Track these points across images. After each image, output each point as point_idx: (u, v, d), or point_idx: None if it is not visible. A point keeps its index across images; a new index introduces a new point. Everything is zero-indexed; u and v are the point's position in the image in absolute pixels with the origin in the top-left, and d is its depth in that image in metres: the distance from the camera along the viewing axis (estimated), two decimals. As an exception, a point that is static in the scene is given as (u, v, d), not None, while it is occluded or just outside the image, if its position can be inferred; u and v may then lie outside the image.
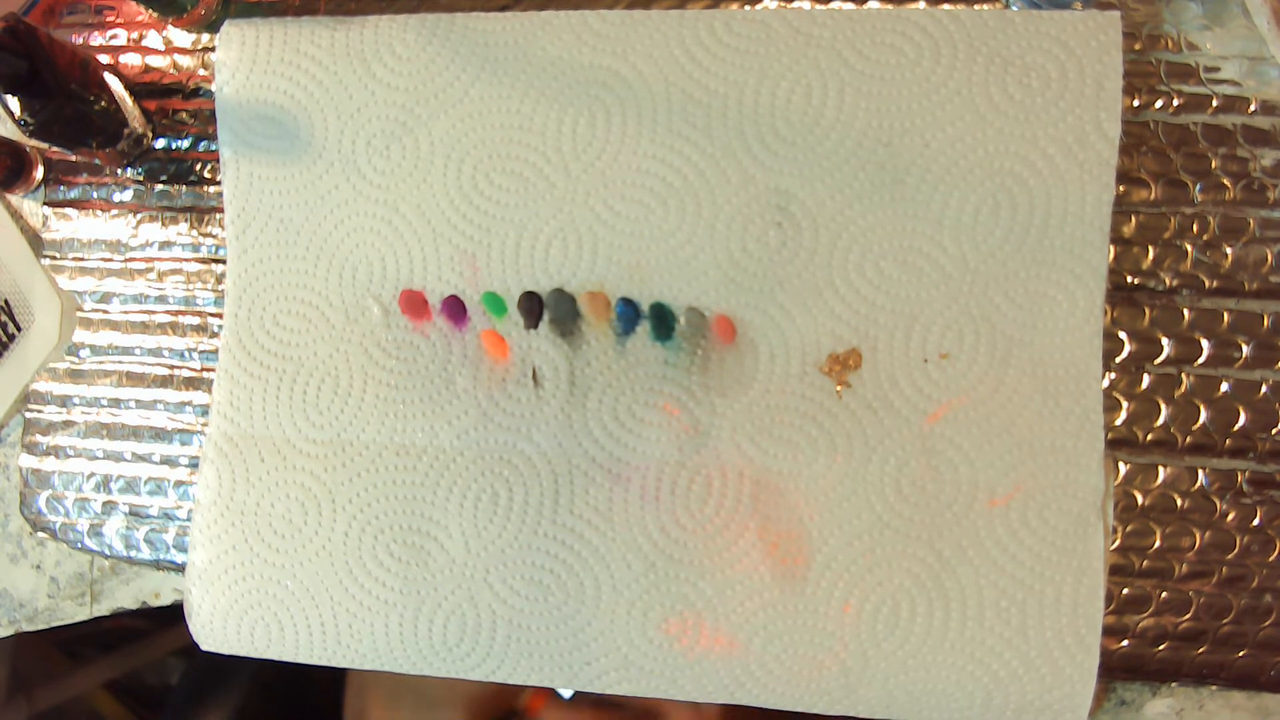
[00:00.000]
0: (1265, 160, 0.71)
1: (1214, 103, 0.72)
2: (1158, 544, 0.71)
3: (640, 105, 0.74)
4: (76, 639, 1.54)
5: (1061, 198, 0.69)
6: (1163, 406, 0.71)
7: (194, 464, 0.81)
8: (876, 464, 0.71)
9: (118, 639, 1.52)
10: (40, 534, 0.84)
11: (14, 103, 0.73)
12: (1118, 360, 0.71)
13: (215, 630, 0.78)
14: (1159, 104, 0.72)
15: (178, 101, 0.84)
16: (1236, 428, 0.71)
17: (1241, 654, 0.71)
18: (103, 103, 0.77)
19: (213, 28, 0.84)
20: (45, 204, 0.86)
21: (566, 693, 0.94)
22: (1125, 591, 0.71)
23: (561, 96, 0.75)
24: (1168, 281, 0.71)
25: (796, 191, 0.72)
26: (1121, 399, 0.71)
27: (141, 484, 0.82)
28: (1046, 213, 0.69)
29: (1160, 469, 0.71)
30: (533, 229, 0.75)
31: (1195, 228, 0.71)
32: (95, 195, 0.85)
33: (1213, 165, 0.71)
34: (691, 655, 0.72)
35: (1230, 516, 0.71)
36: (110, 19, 0.86)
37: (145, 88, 0.85)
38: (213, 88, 0.81)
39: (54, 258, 0.85)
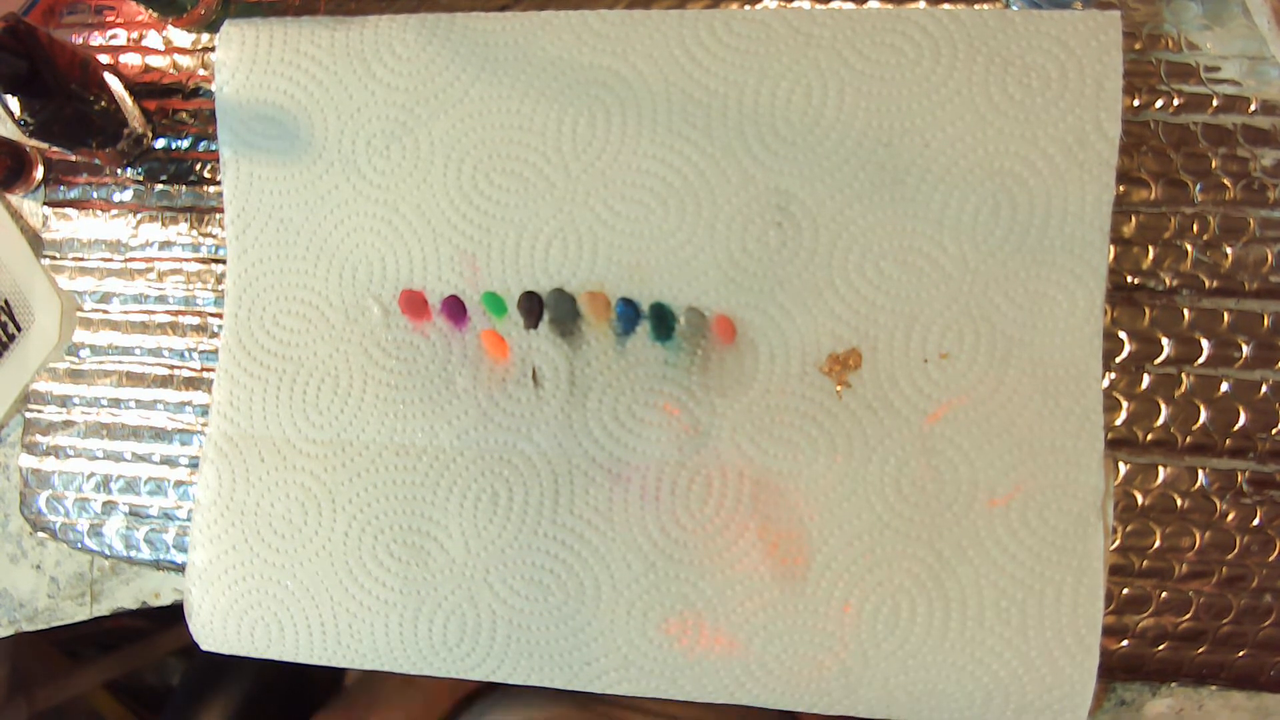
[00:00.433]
0: (1265, 160, 0.71)
1: (1214, 102, 0.72)
2: (1158, 544, 0.71)
3: (640, 105, 0.74)
4: (76, 639, 1.54)
5: (1061, 198, 0.69)
6: (1163, 406, 0.71)
7: (194, 464, 0.81)
8: (876, 464, 0.71)
9: (118, 639, 1.52)
10: (40, 534, 0.84)
11: (14, 103, 0.73)
12: (1118, 360, 0.71)
13: (215, 630, 0.78)
14: (1159, 104, 0.72)
15: (178, 101, 0.84)
16: (1236, 428, 0.71)
17: (1241, 654, 0.71)
18: (103, 103, 0.77)
19: (212, 28, 0.84)
20: (45, 204, 0.86)
21: None
22: (1125, 591, 0.71)
23: (561, 96, 0.75)
24: (1168, 281, 0.71)
25: (796, 191, 0.72)
26: (1121, 399, 0.71)
27: (141, 484, 0.82)
28: (1046, 213, 0.69)
29: (1160, 469, 0.71)
30: (533, 229, 0.75)
31: (1195, 228, 0.71)
32: (95, 195, 0.85)
33: (1213, 165, 0.71)
34: (691, 655, 0.72)
35: (1230, 516, 0.71)
36: (110, 19, 0.86)
37: (145, 88, 0.85)
38: (213, 87, 0.81)
39: (54, 258, 0.85)
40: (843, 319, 0.71)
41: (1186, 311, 0.71)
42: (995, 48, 0.70)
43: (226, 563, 0.77)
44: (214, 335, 0.82)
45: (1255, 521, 0.70)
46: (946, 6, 0.72)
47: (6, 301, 0.85)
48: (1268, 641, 0.70)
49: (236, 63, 0.79)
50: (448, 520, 0.75)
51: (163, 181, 0.84)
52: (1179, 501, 0.71)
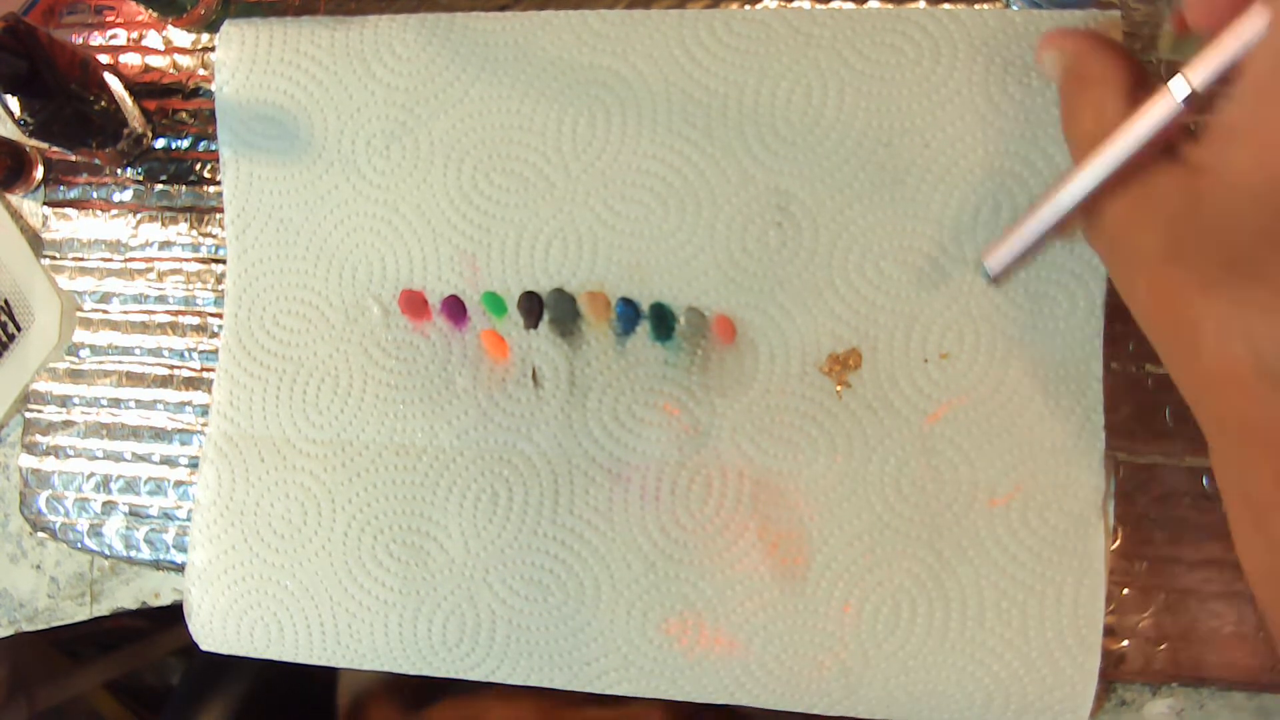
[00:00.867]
0: (1265, 160, 0.71)
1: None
2: (1158, 544, 0.71)
3: (640, 105, 0.74)
4: (76, 639, 1.54)
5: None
6: (1163, 407, 0.71)
7: (194, 464, 0.81)
8: (876, 464, 0.71)
9: (118, 639, 1.53)
10: (40, 534, 0.84)
11: (14, 103, 0.73)
12: (1118, 360, 0.71)
13: (215, 630, 0.78)
14: (1159, 104, 0.72)
15: (178, 101, 0.84)
16: (1237, 428, 0.71)
17: (1242, 654, 0.71)
18: (103, 103, 0.77)
19: (212, 28, 0.84)
20: (45, 204, 0.86)
21: None
22: (1125, 591, 0.71)
23: (561, 96, 0.75)
24: (1168, 282, 0.71)
25: (796, 191, 0.72)
26: (1122, 399, 0.71)
27: (141, 484, 0.82)
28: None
29: (1160, 469, 0.71)
30: (532, 229, 0.75)
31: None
32: (95, 195, 0.85)
33: (1213, 165, 0.71)
34: (691, 655, 0.72)
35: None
36: (110, 19, 0.86)
37: (145, 88, 0.85)
38: (212, 87, 0.81)
39: (54, 258, 0.85)
40: (843, 319, 0.71)
41: (1187, 312, 0.71)
42: (995, 48, 0.70)
43: (226, 563, 0.77)
44: (214, 335, 0.82)
45: (1256, 522, 0.70)
46: (946, 6, 0.72)
47: (6, 301, 0.85)
48: (1269, 641, 0.70)
49: (236, 62, 0.79)
50: (447, 520, 0.75)
51: (163, 181, 0.84)
52: (1179, 502, 0.71)
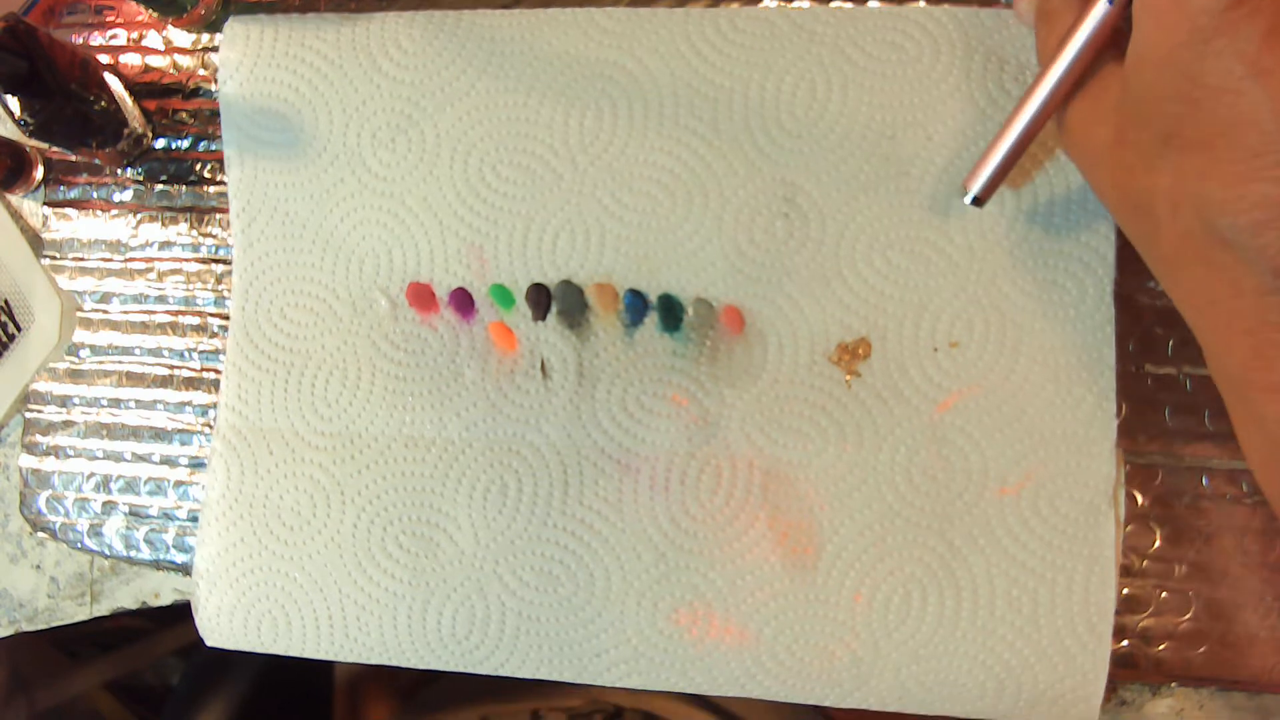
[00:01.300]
0: (1264, 159, 0.71)
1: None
2: (1158, 544, 0.71)
3: (647, 100, 0.74)
4: (76, 639, 1.53)
5: (1065, 187, 0.70)
6: (1163, 406, 0.71)
7: (194, 464, 0.81)
8: (887, 453, 0.71)
9: (118, 639, 1.52)
10: (40, 534, 0.84)
11: (14, 103, 0.72)
12: (1119, 361, 0.71)
13: (222, 625, 0.77)
14: (1158, 102, 0.72)
15: (178, 101, 0.84)
16: (1237, 427, 0.71)
17: (1242, 654, 0.71)
18: (103, 103, 0.77)
19: (213, 28, 0.84)
20: (45, 204, 0.85)
21: None
22: (1125, 591, 0.71)
23: (568, 91, 0.75)
24: (1168, 281, 0.72)
25: (802, 183, 0.72)
26: (1122, 399, 0.71)
27: (141, 484, 0.82)
28: (1052, 200, 0.70)
29: (1160, 469, 0.71)
30: (540, 221, 0.75)
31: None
32: (95, 195, 0.85)
33: (1212, 163, 0.72)
34: (701, 646, 0.72)
35: (1230, 517, 0.71)
36: (110, 19, 0.86)
37: (145, 88, 0.85)
38: (216, 83, 0.81)
39: (54, 258, 0.85)
40: (851, 308, 0.71)
41: (1186, 311, 0.71)
42: (991, 46, 0.71)
43: (234, 556, 0.77)
44: (214, 335, 0.82)
45: (1255, 522, 0.70)
46: (945, 6, 0.73)
47: (6, 301, 0.84)
48: (1268, 641, 0.70)
49: (241, 57, 0.79)
50: (456, 512, 0.75)
51: (163, 181, 0.84)
52: (1179, 502, 0.71)
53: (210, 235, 0.82)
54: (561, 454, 0.74)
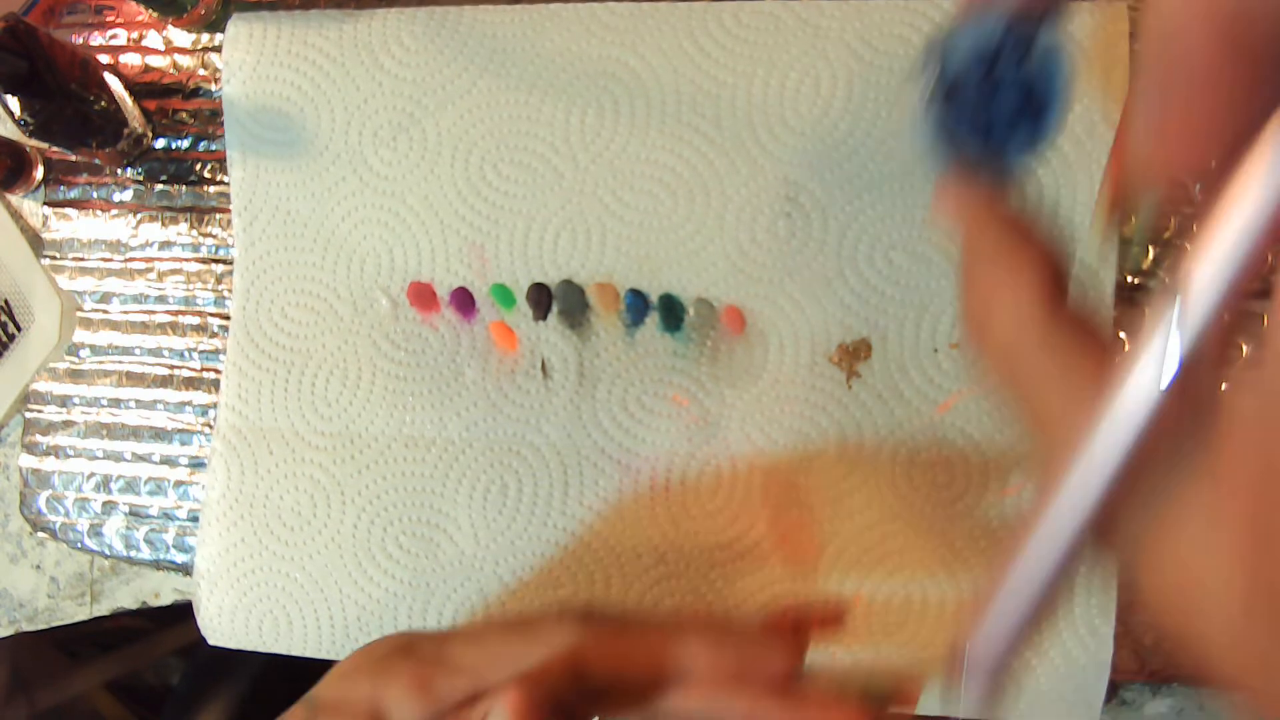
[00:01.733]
0: (1265, 159, 0.71)
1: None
2: (1159, 543, 0.71)
3: (649, 97, 0.74)
4: (76, 639, 1.53)
5: (1070, 187, 0.69)
6: (1163, 406, 0.71)
7: (194, 464, 0.81)
8: (887, 454, 0.71)
9: (118, 639, 1.52)
10: (40, 534, 0.84)
11: (14, 103, 0.73)
12: (1118, 360, 0.71)
13: (223, 624, 0.77)
14: (1159, 103, 0.72)
15: (178, 101, 0.84)
16: (1238, 427, 0.70)
17: (1242, 654, 0.71)
18: (103, 103, 0.77)
19: (213, 27, 0.84)
20: (45, 204, 0.85)
21: None
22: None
23: (570, 88, 0.75)
24: (1168, 281, 0.71)
25: (806, 182, 0.72)
26: (1123, 398, 0.71)
27: (141, 484, 0.82)
28: (1055, 202, 0.69)
29: (1161, 468, 0.71)
30: (541, 220, 0.75)
31: (1195, 228, 0.71)
32: (95, 195, 0.84)
33: (1213, 164, 0.71)
34: (701, 648, 0.72)
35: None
36: (110, 19, 0.86)
37: (145, 88, 0.85)
38: (218, 83, 0.81)
39: (54, 258, 0.85)
40: (852, 309, 0.71)
41: (1187, 311, 0.71)
42: (1004, 39, 0.71)
43: (235, 555, 0.77)
44: (214, 335, 0.81)
45: (1256, 521, 0.70)
46: (951, -2, 0.73)
47: (6, 301, 0.84)
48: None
49: (244, 56, 0.79)
50: (457, 512, 0.75)
51: (163, 181, 0.83)
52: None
53: (210, 235, 0.82)
54: (562, 454, 0.74)
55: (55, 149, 0.85)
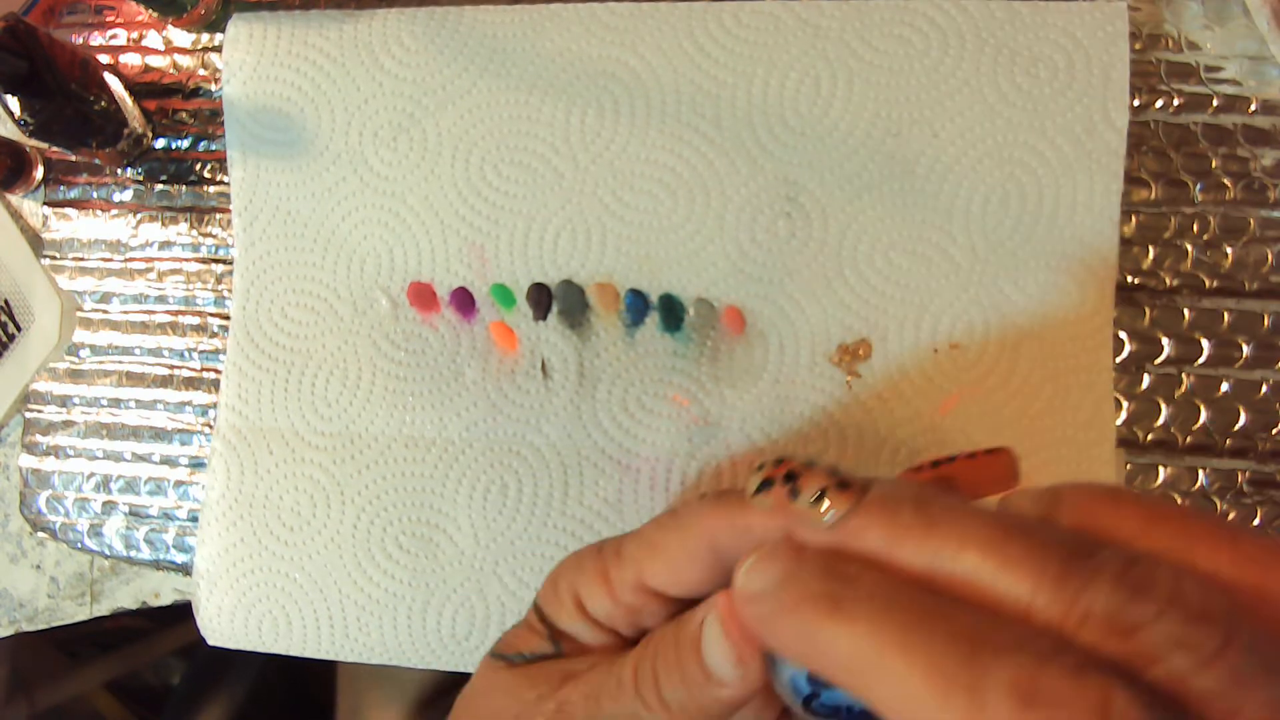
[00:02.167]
0: (1265, 160, 0.71)
1: (1214, 102, 0.72)
2: (1158, 543, 0.71)
3: (649, 97, 0.74)
4: (76, 639, 1.54)
5: (1070, 188, 0.69)
6: (1163, 406, 0.71)
7: (194, 464, 0.81)
8: (888, 455, 0.70)
9: (118, 639, 1.52)
10: (40, 534, 0.84)
11: (14, 103, 0.72)
12: (1118, 360, 0.71)
13: (223, 625, 0.77)
14: (1159, 104, 0.72)
15: (178, 101, 0.84)
16: (1237, 428, 0.71)
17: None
18: (103, 103, 0.77)
19: (213, 28, 0.84)
20: (45, 204, 0.85)
21: None
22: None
23: (570, 88, 0.75)
24: (1168, 281, 0.71)
25: (805, 182, 0.72)
26: (1122, 399, 0.71)
27: (141, 484, 0.82)
28: (1055, 202, 0.69)
29: (1160, 469, 0.71)
30: (541, 220, 0.75)
31: (1195, 228, 0.71)
32: (95, 195, 0.85)
33: (1213, 165, 0.72)
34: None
35: (1230, 516, 0.71)
36: (110, 19, 0.86)
37: (145, 88, 0.85)
38: (218, 83, 0.81)
39: (54, 258, 0.85)
40: (852, 309, 0.71)
41: (1186, 311, 0.71)
42: (1003, 39, 0.71)
43: (235, 556, 0.77)
44: (214, 335, 0.81)
45: (1255, 521, 0.70)
46: (954, -2, 0.73)
47: (6, 301, 0.84)
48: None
49: (244, 56, 0.79)
50: (457, 512, 0.75)
51: (163, 181, 0.84)
52: (1179, 501, 0.71)
53: (210, 235, 0.82)
54: (562, 454, 0.74)
55: (55, 149, 0.85)
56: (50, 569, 0.84)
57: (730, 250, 0.72)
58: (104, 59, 0.85)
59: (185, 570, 0.81)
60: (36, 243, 0.85)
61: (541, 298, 0.74)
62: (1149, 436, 0.71)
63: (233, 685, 1.11)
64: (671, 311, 0.73)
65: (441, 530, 0.75)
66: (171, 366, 0.82)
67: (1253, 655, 0.30)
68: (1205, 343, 0.71)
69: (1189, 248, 0.71)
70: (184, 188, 0.83)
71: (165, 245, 0.83)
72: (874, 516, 0.36)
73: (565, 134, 0.75)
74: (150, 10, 0.82)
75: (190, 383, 0.82)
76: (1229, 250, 0.71)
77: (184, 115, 0.84)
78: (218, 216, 0.82)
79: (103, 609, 0.84)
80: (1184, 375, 0.71)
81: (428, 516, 0.75)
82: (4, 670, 1.25)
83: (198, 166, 0.83)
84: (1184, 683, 0.30)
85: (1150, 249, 0.72)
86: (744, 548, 0.42)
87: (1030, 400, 0.69)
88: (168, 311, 0.82)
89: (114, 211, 0.84)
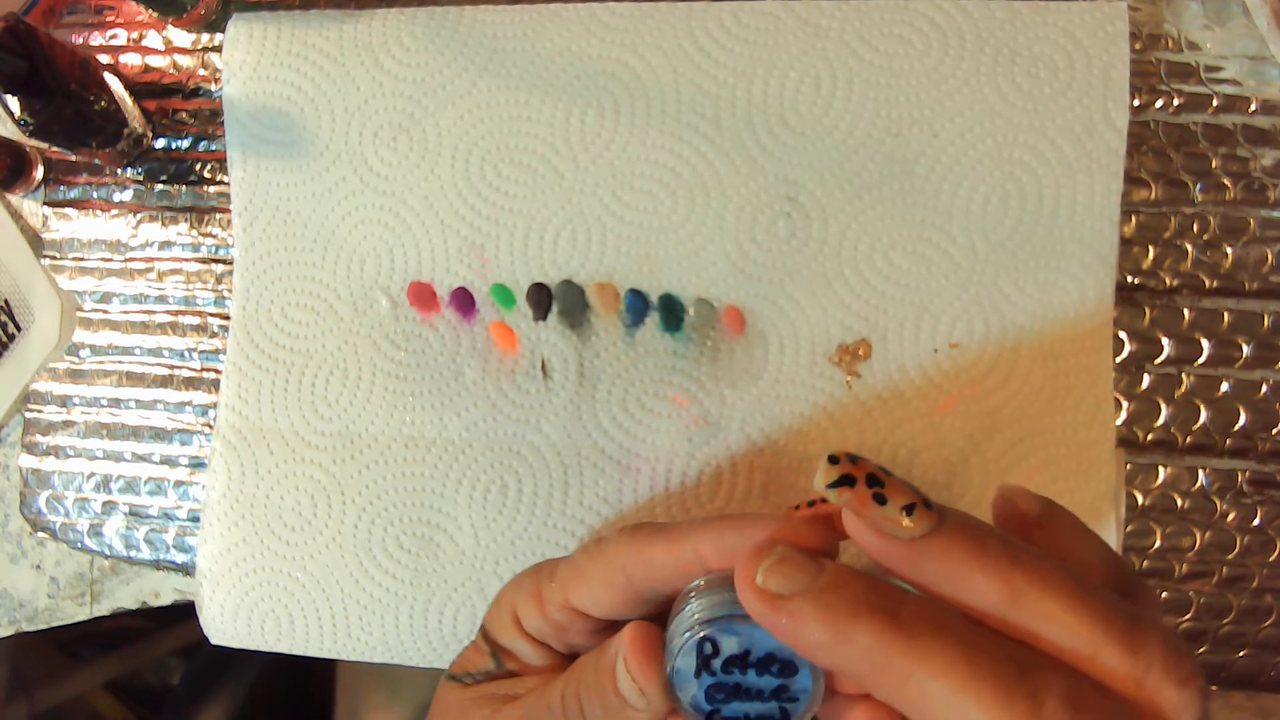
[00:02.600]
0: (1265, 160, 0.71)
1: (1214, 102, 0.72)
2: (1158, 544, 0.71)
3: (649, 97, 0.74)
4: (76, 639, 1.54)
5: (1070, 187, 0.69)
6: (1163, 406, 0.71)
7: (194, 464, 0.81)
8: (888, 455, 0.70)
9: (118, 639, 1.52)
10: (40, 534, 0.84)
11: (14, 103, 0.72)
12: (1118, 360, 0.71)
13: (225, 624, 0.78)
14: (1159, 104, 0.72)
15: (178, 101, 0.84)
16: (1236, 428, 0.71)
17: (1241, 654, 0.71)
18: (103, 103, 0.77)
19: (213, 27, 0.84)
20: (45, 204, 0.85)
21: None
22: (1125, 590, 0.71)
23: (570, 88, 0.75)
24: (1168, 281, 0.71)
25: (805, 182, 0.72)
26: (1122, 399, 0.71)
27: (141, 484, 0.82)
28: (1056, 202, 0.69)
29: (1160, 469, 0.71)
30: (541, 220, 0.75)
31: (1195, 228, 0.71)
32: (95, 195, 0.85)
33: (1213, 165, 0.72)
34: (702, 648, 0.72)
35: (1230, 516, 0.71)
36: (110, 19, 0.86)
37: (145, 88, 0.85)
38: (218, 83, 0.81)
39: (54, 258, 0.85)
40: (852, 309, 0.71)
41: (1186, 311, 0.71)
42: (1003, 39, 0.71)
43: (236, 555, 0.77)
44: (214, 335, 0.81)
45: (1255, 521, 0.70)
46: (954, -2, 0.73)
47: (6, 301, 0.84)
48: (1268, 642, 0.70)
49: (244, 56, 0.79)
50: (457, 512, 0.75)
51: (163, 181, 0.84)
52: (1179, 501, 0.71)
53: (210, 235, 0.82)
54: (562, 454, 0.74)
55: (55, 149, 0.85)
56: (50, 569, 0.84)
57: (730, 250, 0.72)
58: (104, 59, 0.85)
59: (185, 570, 0.81)
60: (36, 243, 0.85)
61: (541, 298, 0.74)
62: (1149, 436, 0.71)
63: (233, 685, 1.11)
64: (671, 311, 0.73)
65: (442, 530, 0.75)
66: (171, 366, 0.82)
67: None
68: (1205, 343, 0.71)
69: (1189, 248, 0.71)
70: (184, 188, 0.83)
71: (165, 245, 0.83)
72: (958, 541, 0.38)
73: (565, 134, 0.75)
74: (150, 10, 0.82)
75: (190, 383, 0.82)
76: (1229, 250, 0.71)
77: (184, 115, 0.84)
78: (218, 216, 0.82)
79: (103, 609, 0.84)
80: (1184, 375, 0.71)
81: (428, 516, 0.75)
82: (4, 670, 1.25)
83: (198, 166, 0.83)
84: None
85: (1150, 249, 0.72)
86: (651, 576, 0.48)
87: (1030, 400, 0.69)
88: (168, 311, 0.82)
89: (114, 211, 0.84)
